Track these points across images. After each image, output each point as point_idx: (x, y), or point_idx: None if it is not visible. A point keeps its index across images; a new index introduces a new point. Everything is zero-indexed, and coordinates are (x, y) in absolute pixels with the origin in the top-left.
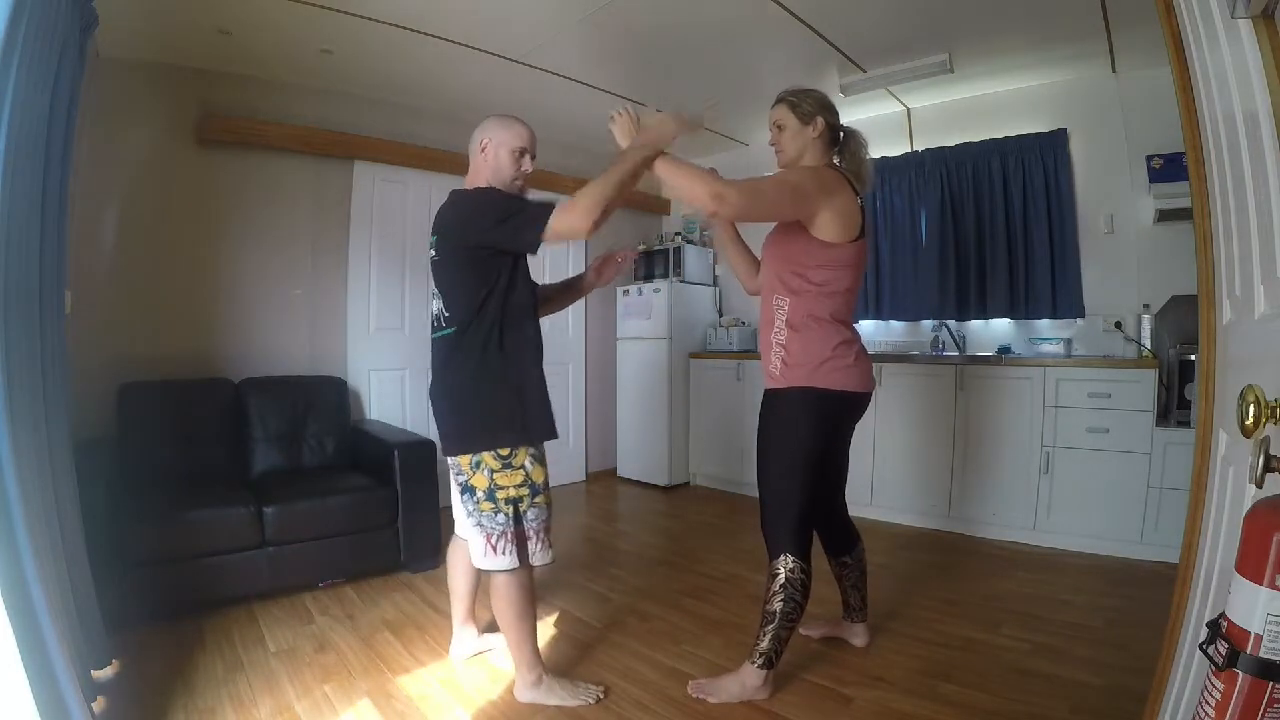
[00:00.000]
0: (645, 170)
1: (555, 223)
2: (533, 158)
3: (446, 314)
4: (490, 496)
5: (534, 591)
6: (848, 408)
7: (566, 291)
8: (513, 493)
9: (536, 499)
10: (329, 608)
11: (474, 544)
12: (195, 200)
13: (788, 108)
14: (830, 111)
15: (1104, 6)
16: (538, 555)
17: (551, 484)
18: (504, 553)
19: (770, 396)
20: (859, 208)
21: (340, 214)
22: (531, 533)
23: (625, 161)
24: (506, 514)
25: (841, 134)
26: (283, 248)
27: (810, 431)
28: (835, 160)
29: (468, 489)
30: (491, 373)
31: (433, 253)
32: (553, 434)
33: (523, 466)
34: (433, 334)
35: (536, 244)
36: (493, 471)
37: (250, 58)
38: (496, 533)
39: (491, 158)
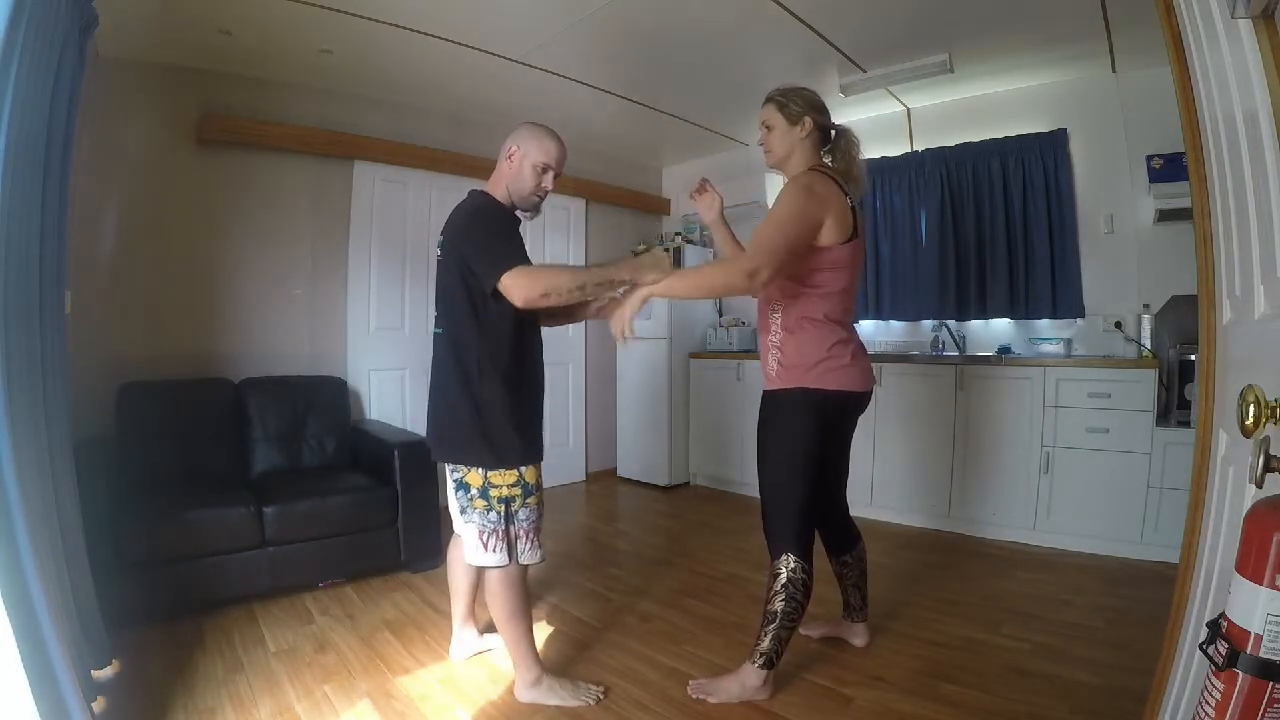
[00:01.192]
0: (607, 291)
1: (506, 278)
2: (557, 175)
3: (436, 314)
4: (483, 494)
5: (527, 589)
6: (845, 407)
7: (566, 312)
8: (505, 492)
9: (529, 499)
10: (329, 608)
11: (467, 540)
12: (195, 200)
13: (775, 107)
14: (819, 111)
15: (1104, 6)
16: (526, 554)
17: (551, 484)
18: (495, 550)
19: (768, 398)
20: (849, 208)
21: (340, 214)
22: (521, 532)
23: (601, 274)
24: (499, 512)
25: (833, 133)
26: (283, 248)
27: (808, 432)
28: (826, 160)
29: (462, 485)
30: (464, 389)
31: (438, 252)
32: (528, 460)
33: (516, 467)
34: (434, 329)
35: (490, 287)
36: (486, 470)
37: (250, 58)
38: (488, 530)
39: (515, 166)
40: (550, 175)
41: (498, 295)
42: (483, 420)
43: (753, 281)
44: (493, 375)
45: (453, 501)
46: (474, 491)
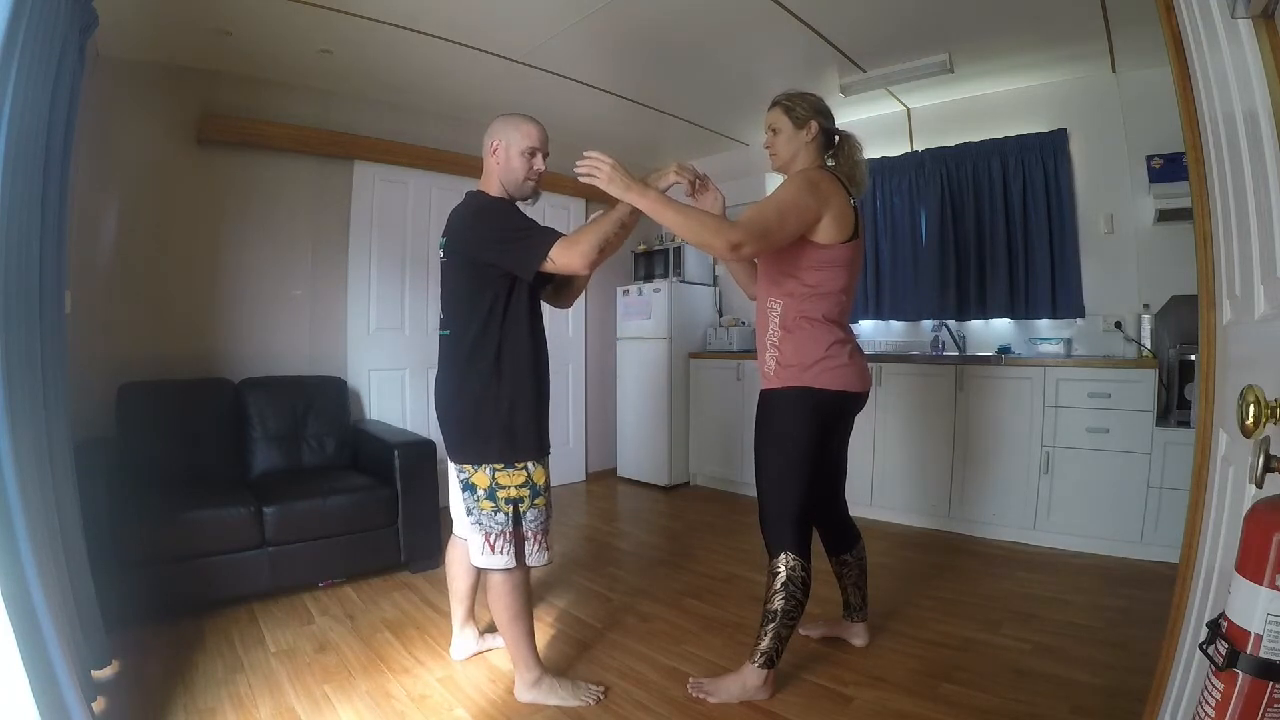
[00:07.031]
0: (639, 217)
1: (555, 254)
2: (546, 155)
3: (443, 316)
4: (491, 495)
5: (530, 591)
6: (843, 407)
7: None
8: (513, 493)
9: (537, 500)
10: (329, 608)
11: (472, 542)
12: (195, 200)
13: (782, 111)
14: (824, 115)
15: (1104, 6)
16: (534, 556)
17: (552, 484)
18: (501, 552)
19: (765, 397)
20: (852, 208)
21: (340, 214)
22: (530, 534)
23: (623, 207)
24: (506, 514)
25: (836, 137)
26: (283, 248)
27: (805, 430)
28: (829, 163)
29: (468, 486)
30: (484, 386)
31: (441, 254)
32: (544, 452)
33: (525, 468)
34: (439, 330)
35: (533, 271)
36: (495, 470)
37: (250, 58)
38: (495, 532)
39: (502, 159)
40: (539, 157)
41: (539, 279)
42: (507, 416)
43: (733, 253)
44: (516, 370)
45: (458, 503)
46: (481, 493)
